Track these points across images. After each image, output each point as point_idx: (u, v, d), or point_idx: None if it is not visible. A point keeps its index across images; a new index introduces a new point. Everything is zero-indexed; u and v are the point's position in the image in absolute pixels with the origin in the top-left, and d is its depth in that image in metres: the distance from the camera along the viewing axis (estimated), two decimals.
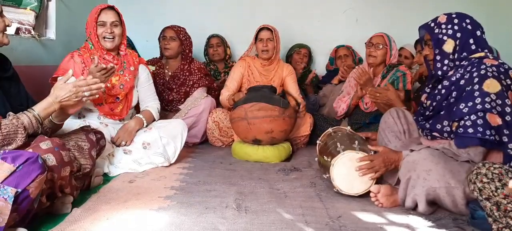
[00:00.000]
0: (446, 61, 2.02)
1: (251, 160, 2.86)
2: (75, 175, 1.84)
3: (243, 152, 2.90)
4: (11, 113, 1.65)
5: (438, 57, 2.04)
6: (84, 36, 3.31)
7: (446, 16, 2.03)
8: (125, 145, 2.53)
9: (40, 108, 1.72)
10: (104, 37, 2.51)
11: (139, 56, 2.84)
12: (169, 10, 4.39)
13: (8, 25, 1.83)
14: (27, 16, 2.77)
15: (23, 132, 1.62)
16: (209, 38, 4.14)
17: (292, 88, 3.40)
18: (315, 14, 4.48)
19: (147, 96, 2.76)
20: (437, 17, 2.07)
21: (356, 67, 3.09)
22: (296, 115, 3.02)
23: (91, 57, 2.50)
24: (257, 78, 3.36)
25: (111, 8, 2.56)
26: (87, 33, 2.55)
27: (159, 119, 2.78)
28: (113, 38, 2.52)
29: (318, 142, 2.52)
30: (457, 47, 1.99)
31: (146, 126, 2.65)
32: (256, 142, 2.87)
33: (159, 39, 3.56)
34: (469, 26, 1.99)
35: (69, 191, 1.75)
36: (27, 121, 1.65)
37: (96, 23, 2.50)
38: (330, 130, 2.52)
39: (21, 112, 1.68)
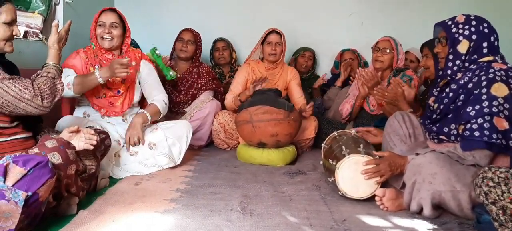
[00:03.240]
0: (457, 62, 2.02)
1: (256, 163, 2.86)
2: (81, 177, 1.85)
3: (248, 155, 2.91)
4: (38, 72, 1.81)
5: (450, 57, 2.04)
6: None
7: (464, 17, 2.02)
8: (138, 143, 2.52)
9: (51, 58, 1.90)
10: (102, 37, 2.59)
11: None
12: (174, 13, 4.41)
13: (16, 35, 1.85)
14: (35, 20, 2.80)
15: (59, 80, 1.83)
16: (215, 42, 4.16)
17: (297, 91, 3.40)
18: (320, 18, 4.48)
19: (152, 91, 2.73)
20: (455, 17, 2.06)
21: (364, 70, 3.05)
22: (301, 118, 3.02)
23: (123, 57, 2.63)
24: (263, 83, 3.36)
25: (113, 10, 2.64)
26: (90, 34, 2.65)
27: (165, 115, 2.79)
28: (111, 38, 2.59)
29: (323, 145, 2.52)
30: (470, 49, 1.99)
31: (151, 119, 2.60)
32: (261, 145, 2.88)
33: (175, 41, 3.57)
34: (485, 30, 1.98)
35: (75, 191, 1.76)
36: (53, 72, 1.83)
37: (96, 24, 2.60)
38: (335, 133, 2.52)
39: (39, 71, 1.82)
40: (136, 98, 2.70)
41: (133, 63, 2.52)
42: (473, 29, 1.99)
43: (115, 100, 2.63)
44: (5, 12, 1.79)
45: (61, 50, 1.98)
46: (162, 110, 2.69)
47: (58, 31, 1.96)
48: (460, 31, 2.00)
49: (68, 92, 2.43)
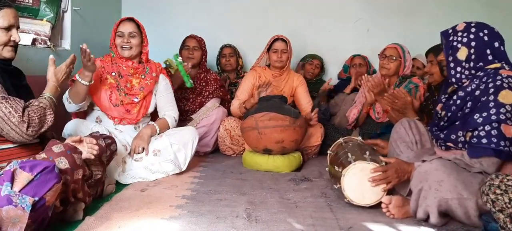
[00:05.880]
0: (459, 68, 2.02)
1: (261, 169, 2.86)
2: (88, 182, 1.87)
3: (253, 161, 2.91)
4: (31, 100, 1.82)
5: (451, 64, 2.05)
6: (98, 46, 3.38)
7: (464, 24, 2.04)
8: (142, 151, 2.56)
9: (47, 90, 1.93)
10: (122, 47, 2.64)
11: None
12: (181, 20, 4.43)
13: (14, 40, 1.83)
14: (43, 27, 2.83)
15: (50, 111, 1.84)
16: (222, 48, 4.17)
17: (304, 98, 3.40)
18: (326, 24, 4.48)
19: (165, 105, 2.81)
20: (456, 25, 2.08)
21: (372, 76, 3.07)
22: (306, 125, 3.02)
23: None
24: (268, 89, 3.37)
25: (131, 19, 2.69)
26: (110, 43, 2.70)
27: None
28: (130, 48, 2.63)
29: (329, 152, 2.52)
30: (472, 56, 1.99)
31: (159, 132, 2.68)
32: (267, 151, 2.88)
33: (180, 49, 3.58)
34: (485, 37, 1.98)
35: (82, 196, 1.77)
36: (45, 102, 1.85)
37: (115, 34, 2.65)
38: (341, 140, 2.51)
39: (32, 100, 1.82)
40: (151, 108, 2.74)
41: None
42: (472, 36, 1.99)
43: (131, 108, 2.65)
44: (1, 17, 1.78)
45: (61, 82, 2.00)
46: (171, 126, 2.78)
47: (55, 65, 1.99)
48: (459, 38, 2.02)
49: (71, 106, 2.46)
